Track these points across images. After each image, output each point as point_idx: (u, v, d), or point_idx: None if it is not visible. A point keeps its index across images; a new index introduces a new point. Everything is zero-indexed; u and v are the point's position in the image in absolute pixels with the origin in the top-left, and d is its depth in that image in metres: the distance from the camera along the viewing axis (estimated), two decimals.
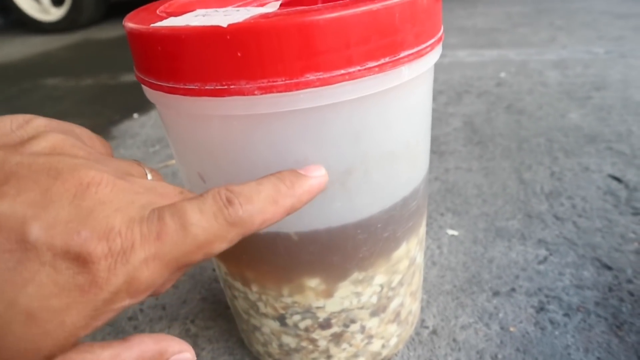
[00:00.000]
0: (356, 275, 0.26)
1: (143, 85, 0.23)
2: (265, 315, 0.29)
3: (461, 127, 0.67)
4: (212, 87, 0.19)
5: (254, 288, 0.28)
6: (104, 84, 1.13)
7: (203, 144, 0.23)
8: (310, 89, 0.19)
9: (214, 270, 0.45)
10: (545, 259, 0.41)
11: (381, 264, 0.27)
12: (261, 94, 0.19)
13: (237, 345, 0.36)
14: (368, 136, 0.22)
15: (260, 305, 0.28)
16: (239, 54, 0.18)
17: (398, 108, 0.23)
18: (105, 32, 1.86)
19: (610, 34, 1.01)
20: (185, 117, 0.22)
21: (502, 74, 0.86)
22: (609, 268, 0.39)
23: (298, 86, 0.19)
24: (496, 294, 0.38)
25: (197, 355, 0.36)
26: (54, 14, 1.96)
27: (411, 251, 0.29)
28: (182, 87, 0.20)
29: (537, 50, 0.96)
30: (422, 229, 0.30)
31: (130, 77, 1.15)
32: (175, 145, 0.25)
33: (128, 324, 0.39)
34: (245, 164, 0.22)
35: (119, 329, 0.39)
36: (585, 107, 0.69)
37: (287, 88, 0.19)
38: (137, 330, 0.39)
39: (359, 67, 0.19)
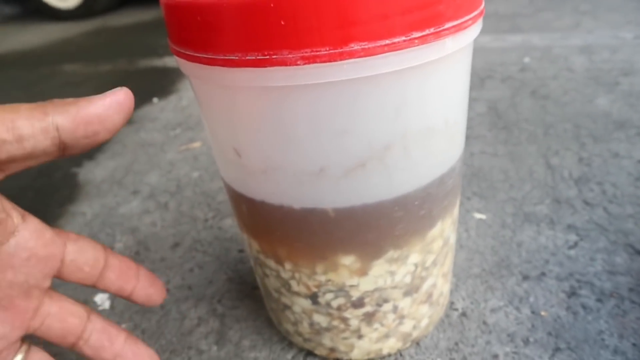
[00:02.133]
0: (391, 253, 0.26)
1: (178, 58, 0.23)
2: (297, 294, 0.28)
3: (485, 112, 0.66)
4: (254, 58, 0.19)
5: (287, 266, 0.27)
6: (122, 69, 1.14)
7: (240, 117, 0.22)
8: (354, 59, 0.19)
9: (239, 251, 0.45)
10: (576, 244, 0.40)
11: (416, 243, 0.26)
12: (304, 64, 0.19)
13: (265, 324, 0.36)
14: (408, 111, 0.22)
15: (293, 283, 0.28)
16: (282, 23, 0.18)
17: (438, 83, 0.22)
18: (121, 19, 1.87)
19: (639, 19, 0.99)
20: (222, 89, 0.22)
21: (526, 59, 0.84)
22: None
23: (342, 56, 0.19)
24: (526, 278, 0.38)
25: (225, 334, 0.36)
26: (71, 1, 1.97)
27: (445, 231, 0.28)
28: (221, 58, 0.20)
29: (562, 35, 0.94)
30: (456, 210, 0.30)
31: (148, 63, 1.15)
32: (209, 120, 0.25)
33: None
34: (283, 136, 0.22)
35: (146, 308, 0.39)
36: (613, 92, 0.67)
37: (331, 58, 0.19)
38: (164, 309, 0.39)
39: (403, 38, 0.19)
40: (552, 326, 0.33)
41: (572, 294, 0.36)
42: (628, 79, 0.71)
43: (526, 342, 0.32)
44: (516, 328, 0.33)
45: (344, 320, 0.29)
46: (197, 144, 0.68)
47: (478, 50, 0.91)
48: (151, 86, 0.95)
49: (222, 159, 0.26)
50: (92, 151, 0.70)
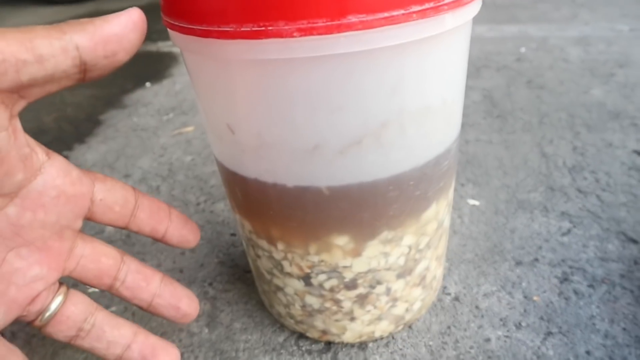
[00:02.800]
0: (385, 234, 0.26)
1: (171, 31, 0.22)
2: (290, 275, 0.28)
3: (481, 100, 0.66)
4: (249, 29, 0.19)
5: (280, 246, 0.27)
6: None
7: (234, 91, 0.22)
8: (352, 32, 0.18)
9: (231, 235, 0.44)
10: (569, 231, 0.41)
11: (411, 224, 0.26)
12: (300, 35, 0.18)
13: (257, 307, 0.36)
14: (405, 88, 0.21)
15: (285, 264, 0.28)
16: None
17: (437, 60, 0.22)
18: (115, 3, 1.83)
19: (635, 12, 0.99)
20: (216, 63, 0.22)
21: (522, 50, 0.84)
22: (635, 242, 0.39)
23: (339, 28, 0.18)
24: (519, 263, 0.38)
25: (216, 317, 0.36)
26: None
27: (440, 213, 0.28)
28: (215, 29, 0.19)
29: (558, 27, 0.94)
30: (451, 192, 0.30)
31: (141, 48, 1.14)
32: (203, 96, 0.25)
33: None
34: (277, 112, 0.21)
35: None
36: (608, 83, 0.67)
37: (328, 30, 0.18)
38: None
39: (402, 11, 0.19)
40: (544, 311, 0.33)
41: (565, 279, 0.36)
42: (623, 71, 0.71)
43: (518, 326, 0.32)
44: (508, 312, 0.33)
45: (337, 302, 0.29)
46: (190, 128, 0.67)
47: (474, 40, 0.91)
48: (144, 71, 0.94)
49: (215, 136, 0.26)
50: (84, 134, 0.69)
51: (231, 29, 0.19)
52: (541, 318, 0.33)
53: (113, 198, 0.26)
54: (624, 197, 0.44)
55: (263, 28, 0.18)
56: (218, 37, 0.19)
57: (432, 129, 0.24)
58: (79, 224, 0.25)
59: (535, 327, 0.32)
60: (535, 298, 0.35)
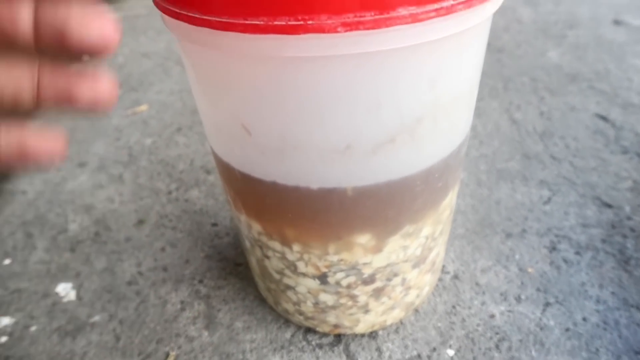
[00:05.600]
0: (407, 228, 0.25)
1: (176, 21, 0.19)
2: (304, 275, 0.27)
3: None
4: (284, 23, 0.16)
5: (295, 247, 0.25)
6: None
7: (254, 90, 0.19)
8: (401, 26, 0.16)
9: (213, 225, 0.42)
10: (549, 199, 0.42)
11: (430, 215, 0.26)
12: (345, 31, 0.16)
13: (256, 303, 0.34)
14: (442, 81, 0.20)
15: (300, 264, 0.26)
16: None
17: (471, 49, 0.21)
18: None
19: None
20: (236, 59, 0.19)
21: None
22: (609, 206, 0.41)
23: (388, 22, 0.16)
24: (509, 235, 0.38)
25: (214, 317, 0.34)
26: None
27: (453, 199, 0.28)
28: (241, 22, 0.17)
29: None
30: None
31: None
32: (209, 92, 0.22)
33: (128, 289, 0.37)
34: (309, 112, 0.19)
35: (119, 295, 0.36)
36: (561, 45, 0.69)
37: (376, 25, 0.16)
38: (140, 295, 0.36)
39: (451, 2, 0.17)
40: (540, 282, 0.35)
41: (553, 248, 0.37)
42: (573, 32, 0.73)
43: (518, 299, 0.33)
44: (507, 287, 0.34)
45: (353, 297, 0.28)
46: (144, 107, 0.62)
47: None
48: None
49: (221, 137, 0.23)
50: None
51: (262, 23, 0.16)
52: (538, 289, 0.34)
53: None
54: (593, 161, 0.46)
55: (302, 22, 0.16)
56: (244, 32, 0.17)
57: (459, 118, 0.23)
58: None
59: (533, 299, 0.33)
60: (529, 269, 0.36)
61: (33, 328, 0.34)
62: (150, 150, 0.53)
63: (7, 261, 0.40)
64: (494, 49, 0.69)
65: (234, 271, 0.37)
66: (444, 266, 0.36)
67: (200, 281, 0.37)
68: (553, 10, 0.81)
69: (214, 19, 0.17)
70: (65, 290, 0.37)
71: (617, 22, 0.74)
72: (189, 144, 0.54)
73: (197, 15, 0.18)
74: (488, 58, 0.67)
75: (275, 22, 0.16)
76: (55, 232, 0.43)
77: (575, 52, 0.67)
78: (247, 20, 0.17)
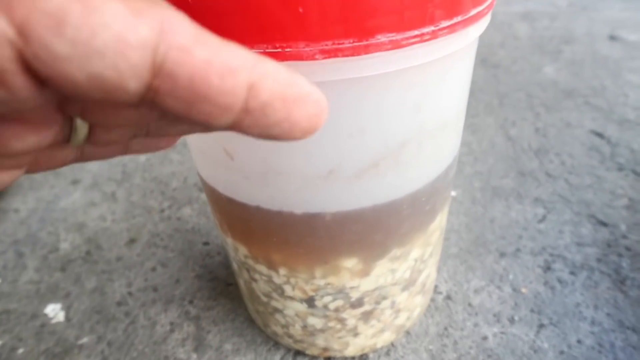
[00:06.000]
0: (395, 251, 0.24)
1: None
2: (292, 298, 0.26)
3: None
4: (262, 50, 0.16)
5: (282, 271, 0.25)
6: None
7: None
8: (380, 53, 0.16)
9: (204, 244, 0.42)
10: (544, 217, 0.41)
11: (419, 238, 0.25)
12: (323, 58, 0.16)
13: (246, 325, 0.34)
14: (427, 105, 0.20)
15: (287, 288, 0.26)
16: (300, 10, 0.15)
17: (456, 73, 0.20)
18: None
19: None
20: None
21: None
22: (604, 224, 0.40)
23: (367, 49, 0.16)
24: (503, 255, 0.38)
25: (203, 339, 0.33)
26: None
27: (442, 221, 0.27)
28: None
29: (503, 1, 0.96)
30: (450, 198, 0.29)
31: None
32: None
33: (117, 310, 0.36)
34: None
35: (108, 316, 0.36)
36: (557, 61, 0.69)
37: (355, 52, 0.16)
38: (129, 316, 0.35)
39: (432, 27, 0.17)
40: (534, 302, 0.34)
41: (547, 268, 0.37)
42: (569, 47, 0.73)
43: (512, 321, 0.33)
44: (500, 307, 0.34)
45: (341, 320, 0.27)
46: None
47: None
48: None
49: (205, 160, 0.23)
50: None
51: None
52: (532, 310, 0.34)
53: None
54: (588, 179, 0.46)
55: (279, 50, 0.16)
56: None
57: (445, 143, 0.22)
58: None
59: (527, 320, 0.33)
60: (523, 290, 0.35)
61: (20, 350, 0.34)
62: (145, 168, 0.53)
63: None
64: (490, 65, 0.69)
65: (224, 291, 0.37)
66: (436, 286, 0.36)
67: (191, 302, 0.36)
68: (549, 26, 0.81)
69: None
70: (54, 311, 0.37)
71: (612, 38, 0.74)
72: (182, 161, 0.54)
73: None
74: (483, 74, 0.67)
75: (253, 50, 0.16)
76: (47, 251, 0.42)
77: (571, 67, 0.67)
78: None
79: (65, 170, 0.53)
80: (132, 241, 0.43)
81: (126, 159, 0.55)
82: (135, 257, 0.41)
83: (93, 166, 0.54)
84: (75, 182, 0.51)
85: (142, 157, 0.55)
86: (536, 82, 0.64)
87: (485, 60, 0.71)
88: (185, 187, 0.49)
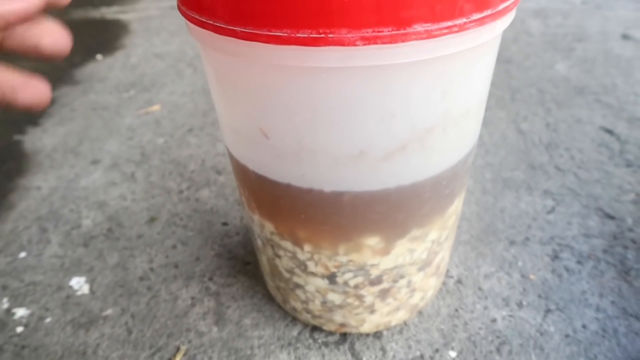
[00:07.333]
0: (414, 232, 0.26)
1: (200, 29, 0.20)
2: (314, 274, 0.28)
3: None
4: (306, 35, 0.17)
5: (307, 248, 0.27)
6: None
7: (275, 97, 0.20)
8: (416, 41, 0.17)
9: (223, 224, 0.43)
10: (553, 209, 0.43)
11: (437, 220, 0.26)
12: (364, 44, 0.17)
13: (264, 301, 0.35)
14: (453, 93, 0.21)
15: (310, 264, 0.27)
16: None
17: (482, 64, 0.22)
18: None
19: None
20: (253, 66, 0.20)
21: None
22: (611, 217, 0.42)
23: (404, 37, 0.17)
24: (512, 243, 0.39)
25: (223, 313, 0.35)
26: None
27: (459, 206, 0.29)
28: (264, 33, 0.18)
29: None
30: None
31: (82, 14, 1.04)
32: (230, 97, 0.23)
33: (140, 284, 0.38)
34: (325, 118, 0.20)
35: (131, 290, 0.37)
36: (570, 58, 0.70)
37: (393, 39, 0.17)
38: (151, 291, 0.37)
39: (464, 20, 0.18)
40: (541, 289, 0.35)
41: (555, 257, 0.38)
42: (581, 45, 0.74)
43: (520, 305, 0.34)
44: (509, 292, 0.35)
45: (359, 297, 0.29)
46: (156, 107, 0.63)
47: None
48: (91, 41, 0.87)
49: (239, 140, 0.24)
50: (35, 115, 0.63)
51: (284, 35, 0.18)
52: (539, 296, 0.35)
53: None
54: (597, 173, 0.47)
55: (323, 35, 0.17)
56: (268, 42, 0.18)
57: (467, 130, 0.24)
58: None
59: (535, 305, 0.34)
60: (531, 276, 0.36)
61: (48, 320, 0.35)
62: (163, 150, 0.54)
63: (22, 254, 0.41)
64: (503, 60, 0.70)
65: (242, 269, 0.38)
66: (448, 270, 0.37)
67: (210, 278, 0.38)
68: (562, 24, 0.82)
69: (239, 29, 0.18)
70: (78, 284, 0.38)
71: (625, 37, 0.75)
72: (200, 144, 0.55)
73: (222, 25, 0.19)
74: (496, 69, 0.68)
75: (298, 35, 0.17)
76: (69, 227, 0.44)
77: (583, 65, 0.68)
78: (270, 31, 0.18)
79: (85, 150, 0.55)
80: (152, 220, 0.44)
81: (144, 141, 0.56)
82: (155, 235, 0.42)
83: (112, 147, 0.55)
84: (95, 162, 0.53)
85: (160, 140, 0.56)
86: (548, 79, 0.65)
87: (498, 55, 0.72)
88: (203, 169, 0.50)
